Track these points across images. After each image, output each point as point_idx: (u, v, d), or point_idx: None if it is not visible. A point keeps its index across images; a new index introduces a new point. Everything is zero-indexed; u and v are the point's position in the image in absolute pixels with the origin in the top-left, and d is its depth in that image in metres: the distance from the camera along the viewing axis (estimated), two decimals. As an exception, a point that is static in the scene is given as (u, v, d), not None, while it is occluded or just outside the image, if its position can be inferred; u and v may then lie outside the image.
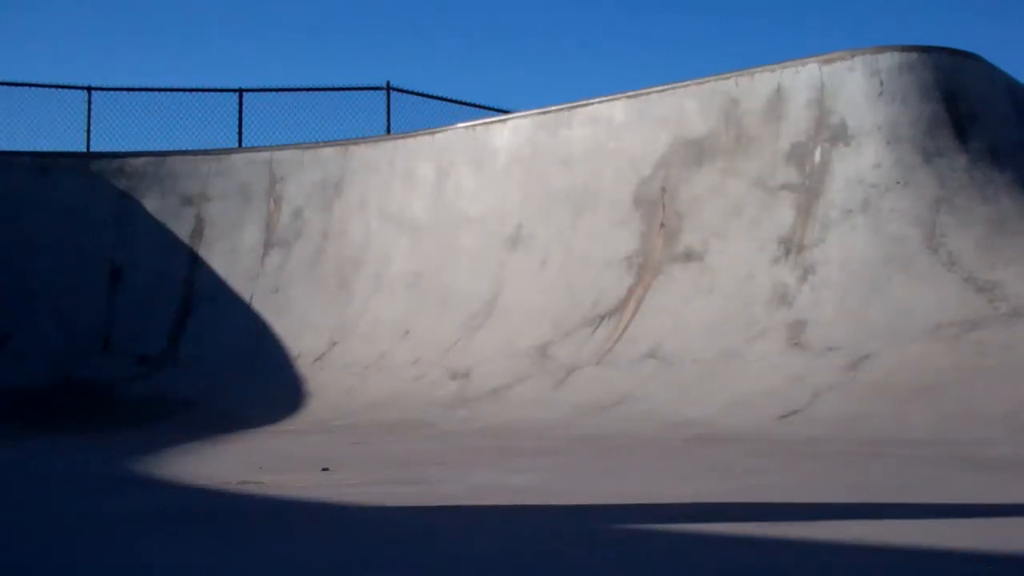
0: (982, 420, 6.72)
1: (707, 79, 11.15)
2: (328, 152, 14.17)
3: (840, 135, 10.18)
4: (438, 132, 13.53)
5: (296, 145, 14.92)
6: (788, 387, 8.11)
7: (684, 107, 11.21)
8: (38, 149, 15.28)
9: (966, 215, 9.44)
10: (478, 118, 15.34)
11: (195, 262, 13.71)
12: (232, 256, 13.69)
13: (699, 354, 9.22)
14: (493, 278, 11.72)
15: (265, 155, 14.51)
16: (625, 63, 44.61)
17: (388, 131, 19.38)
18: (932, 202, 9.57)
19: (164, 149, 15.12)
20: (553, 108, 12.39)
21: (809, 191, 10.09)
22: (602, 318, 10.37)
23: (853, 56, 10.40)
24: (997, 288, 8.56)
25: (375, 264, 12.92)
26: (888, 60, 10.30)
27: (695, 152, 10.94)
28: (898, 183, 9.76)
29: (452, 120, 15.93)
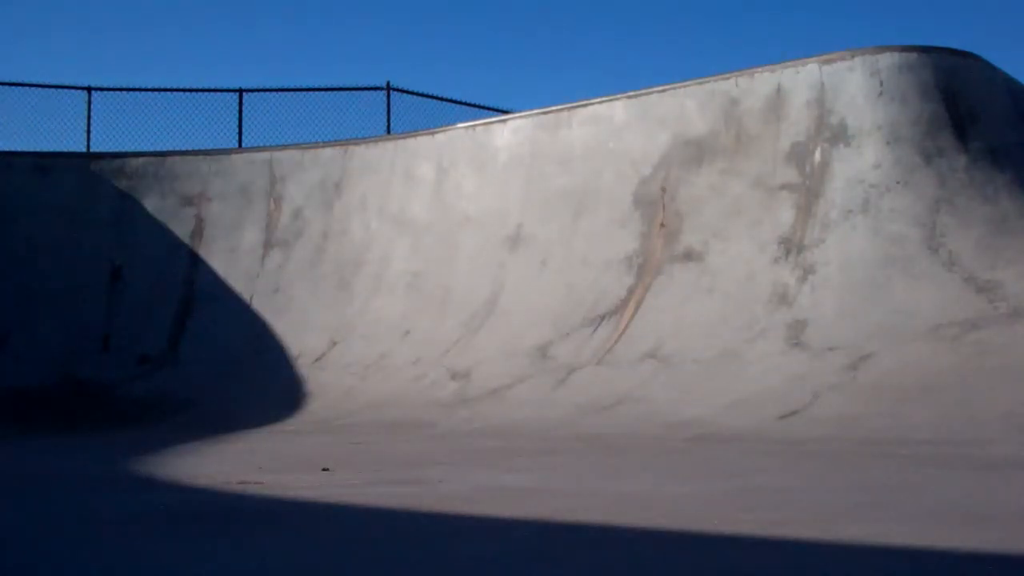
0: (982, 420, 6.72)
1: (707, 79, 11.15)
2: (328, 152, 14.17)
3: (840, 135, 10.18)
4: (438, 132, 13.53)
5: (296, 145, 14.91)
6: (788, 387, 8.11)
7: (684, 107, 11.22)
8: (38, 149, 15.28)
9: (966, 215, 9.44)
10: (478, 118, 15.34)
11: (195, 262, 13.71)
12: (232, 256, 13.69)
13: (699, 354, 9.22)
14: (493, 278, 11.72)
15: (265, 155, 14.51)
16: (625, 63, 44.62)
17: (388, 131, 19.37)
18: (932, 202, 9.57)
19: (164, 149, 15.12)
20: (553, 108, 12.39)
21: (809, 191, 10.09)
22: (602, 318, 10.37)
23: (853, 56, 10.40)
24: (997, 288, 8.56)
25: (375, 264, 12.92)
26: (888, 60, 10.30)
27: (695, 152, 10.94)
28: (898, 183, 9.75)
29: (452, 120, 15.94)
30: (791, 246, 9.83)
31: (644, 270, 10.59)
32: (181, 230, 14.02)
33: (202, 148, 15.24)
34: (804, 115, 10.42)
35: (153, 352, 12.83)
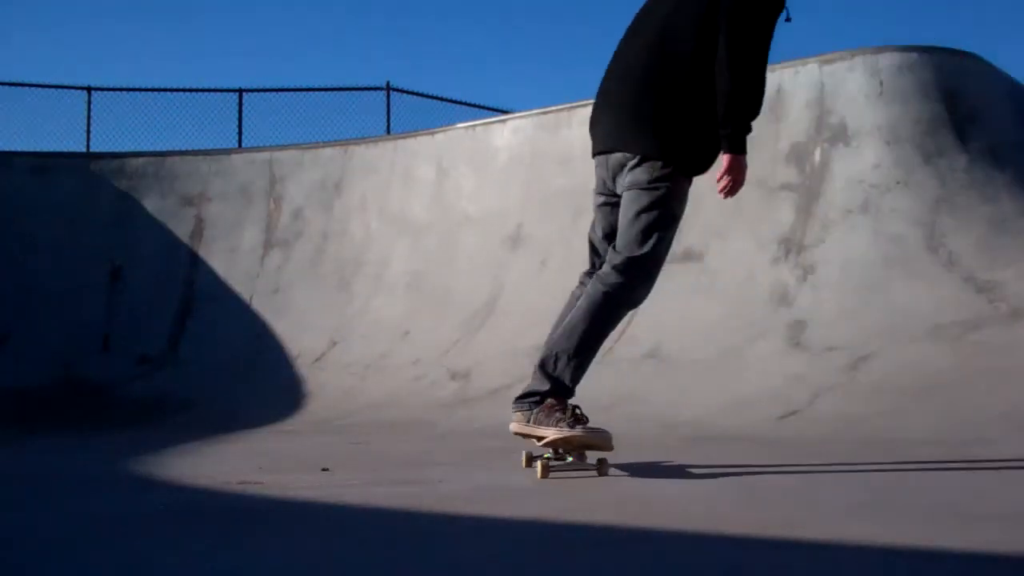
0: (982, 420, 6.71)
1: (707, 79, 11.13)
2: (328, 152, 14.17)
3: (840, 135, 10.17)
4: (438, 132, 13.53)
5: (296, 145, 14.93)
6: (788, 387, 8.11)
7: (684, 107, 11.20)
8: (38, 149, 15.31)
9: (966, 215, 9.44)
10: (478, 118, 15.36)
11: (195, 262, 13.72)
12: (232, 256, 13.69)
13: (699, 354, 9.21)
14: (493, 278, 11.72)
15: (265, 155, 14.52)
16: (625, 63, 44.42)
17: (388, 131, 19.40)
18: (932, 202, 9.56)
19: (164, 149, 15.14)
20: (553, 108, 12.38)
21: (809, 191, 10.08)
22: (602, 318, 10.35)
23: (853, 56, 10.39)
24: (997, 288, 8.55)
25: (375, 264, 12.92)
26: (888, 60, 10.29)
27: (695, 152, 10.92)
28: (898, 183, 9.75)
29: (452, 120, 15.97)
30: (791, 246, 9.82)
31: (644, 270, 10.57)
32: (181, 230, 14.02)
33: (202, 148, 15.27)
34: (804, 115, 10.42)
35: (153, 352, 12.83)
